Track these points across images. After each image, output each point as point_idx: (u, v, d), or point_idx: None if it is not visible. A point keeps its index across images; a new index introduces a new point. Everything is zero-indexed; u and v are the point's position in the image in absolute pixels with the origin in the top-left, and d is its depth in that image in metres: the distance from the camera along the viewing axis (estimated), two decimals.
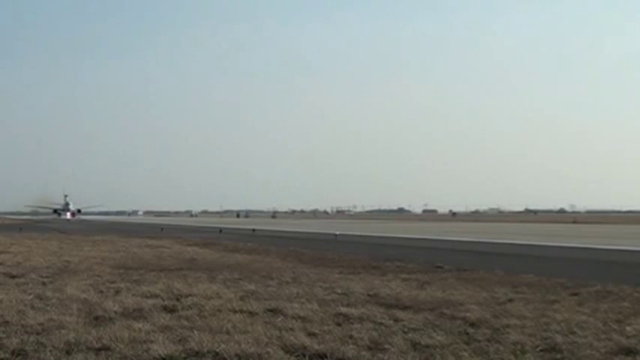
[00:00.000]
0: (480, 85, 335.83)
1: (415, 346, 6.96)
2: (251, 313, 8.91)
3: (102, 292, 11.27)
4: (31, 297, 10.55)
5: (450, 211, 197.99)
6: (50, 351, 6.78)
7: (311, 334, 7.48)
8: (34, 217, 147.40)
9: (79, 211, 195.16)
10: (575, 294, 10.64)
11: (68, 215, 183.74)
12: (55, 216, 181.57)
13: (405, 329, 7.81)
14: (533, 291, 11.04)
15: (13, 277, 13.88)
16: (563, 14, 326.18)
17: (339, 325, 8.13)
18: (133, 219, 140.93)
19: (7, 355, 6.74)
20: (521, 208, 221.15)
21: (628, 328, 7.72)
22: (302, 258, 18.77)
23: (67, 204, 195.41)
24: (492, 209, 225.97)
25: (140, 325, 7.97)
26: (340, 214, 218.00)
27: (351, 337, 7.36)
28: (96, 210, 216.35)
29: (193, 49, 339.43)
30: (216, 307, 9.42)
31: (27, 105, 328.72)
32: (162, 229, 49.03)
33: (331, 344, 6.98)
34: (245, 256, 20.11)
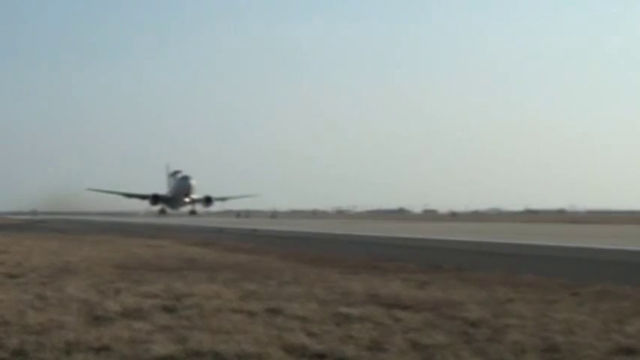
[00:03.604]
0: (480, 85, 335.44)
1: (415, 346, 6.96)
2: (251, 313, 8.91)
3: (102, 292, 11.26)
4: (31, 297, 10.55)
5: (450, 211, 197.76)
6: (50, 351, 6.79)
7: (311, 334, 7.49)
8: (34, 217, 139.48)
9: (208, 200, 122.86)
10: (575, 294, 10.63)
11: (187, 208, 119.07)
12: (155, 214, 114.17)
13: (405, 329, 7.81)
14: (533, 291, 11.03)
15: (13, 276, 13.87)
16: (564, 13, 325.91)
17: (339, 325, 8.13)
18: (133, 219, 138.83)
19: (7, 355, 6.75)
20: (521, 208, 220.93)
21: (628, 328, 7.72)
22: (302, 258, 18.74)
23: (182, 187, 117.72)
24: (492, 209, 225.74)
25: (140, 325, 7.97)
26: (340, 214, 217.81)
27: (351, 337, 7.36)
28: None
29: (194, 49, 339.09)
30: (216, 307, 9.42)
31: (27, 103, 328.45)
32: (162, 229, 49.01)
33: (331, 344, 6.98)
34: (245, 256, 20.09)
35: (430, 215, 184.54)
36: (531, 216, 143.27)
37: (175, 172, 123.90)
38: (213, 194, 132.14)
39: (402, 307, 9.35)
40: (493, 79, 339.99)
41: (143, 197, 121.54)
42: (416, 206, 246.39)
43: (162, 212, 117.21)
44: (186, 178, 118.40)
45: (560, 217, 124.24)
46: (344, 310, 9.06)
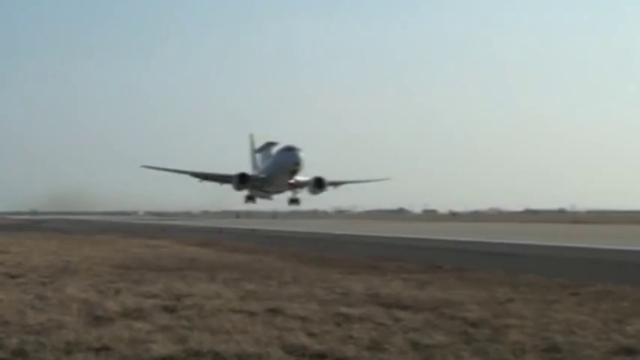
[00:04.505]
0: (480, 85, 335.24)
1: (415, 346, 6.97)
2: (251, 313, 8.92)
3: (102, 292, 11.28)
4: (31, 297, 10.57)
5: (450, 211, 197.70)
6: (50, 351, 6.79)
7: (311, 334, 7.49)
8: (34, 217, 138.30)
9: (318, 183, 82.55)
10: (575, 294, 10.65)
11: (286, 195, 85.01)
12: (241, 201, 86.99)
13: (405, 329, 7.82)
14: (533, 291, 11.05)
15: (13, 277, 13.90)
16: (564, 14, 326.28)
17: (339, 325, 8.14)
18: (133, 219, 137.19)
19: (7, 355, 6.75)
20: (521, 208, 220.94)
21: (628, 328, 7.74)
22: (302, 258, 18.77)
23: (285, 162, 79.35)
24: (492, 209, 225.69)
25: (140, 325, 7.99)
26: (340, 214, 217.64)
27: (351, 337, 7.37)
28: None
29: (193, 48, 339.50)
30: (216, 307, 9.44)
31: (26, 103, 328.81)
32: (162, 229, 49.04)
33: (331, 344, 6.99)
34: (245, 256, 20.11)
35: (430, 215, 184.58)
36: (531, 216, 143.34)
37: (269, 145, 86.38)
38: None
39: (402, 307, 9.36)
40: (493, 80, 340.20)
41: (223, 179, 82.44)
42: (416, 206, 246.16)
43: (249, 200, 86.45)
44: (292, 150, 78.25)
45: (561, 217, 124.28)
46: (344, 310, 9.08)
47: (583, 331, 7.60)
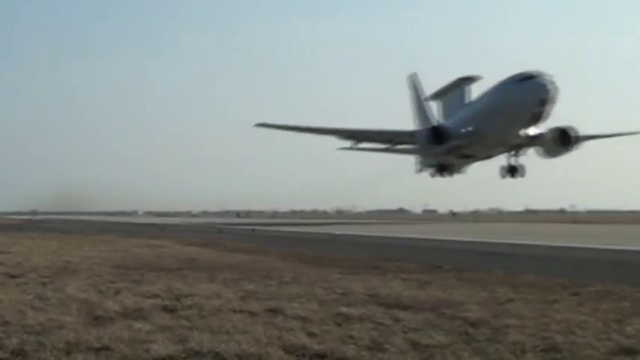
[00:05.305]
0: (480, 84, 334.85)
1: (415, 346, 6.97)
2: (251, 313, 8.93)
3: (102, 292, 11.29)
4: (31, 297, 10.58)
5: (450, 211, 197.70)
6: (50, 351, 6.79)
7: (311, 334, 7.49)
8: (34, 217, 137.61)
9: (563, 136, 46.43)
10: (575, 294, 10.66)
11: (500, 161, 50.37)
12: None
13: (405, 329, 7.82)
14: (533, 291, 11.06)
15: (13, 277, 13.90)
16: (565, 13, 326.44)
17: (339, 325, 8.14)
18: (132, 219, 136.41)
19: (7, 355, 6.75)
20: (521, 208, 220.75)
21: (628, 328, 7.74)
22: (302, 258, 18.77)
23: (524, 99, 43.00)
24: (492, 209, 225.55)
25: (140, 325, 7.98)
26: (340, 214, 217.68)
27: (351, 337, 7.37)
28: None
29: (192, 49, 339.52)
30: (216, 307, 9.44)
31: (26, 104, 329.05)
32: (162, 229, 49.03)
33: (331, 344, 6.99)
34: (245, 256, 20.11)
35: (430, 215, 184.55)
36: (531, 216, 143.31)
37: (462, 81, 54.88)
38: None
39: (402, 307, 9.36)
40: (492, 78, 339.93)
41: (399, 137, 54.19)
42: (416, 206, 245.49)
43: (442, 170, 56.83)
44: (534, 78, 45.68)
45: (561, 217, 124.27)
46: (344, 310, 9.08)
47: (583, 331, 7.60)
